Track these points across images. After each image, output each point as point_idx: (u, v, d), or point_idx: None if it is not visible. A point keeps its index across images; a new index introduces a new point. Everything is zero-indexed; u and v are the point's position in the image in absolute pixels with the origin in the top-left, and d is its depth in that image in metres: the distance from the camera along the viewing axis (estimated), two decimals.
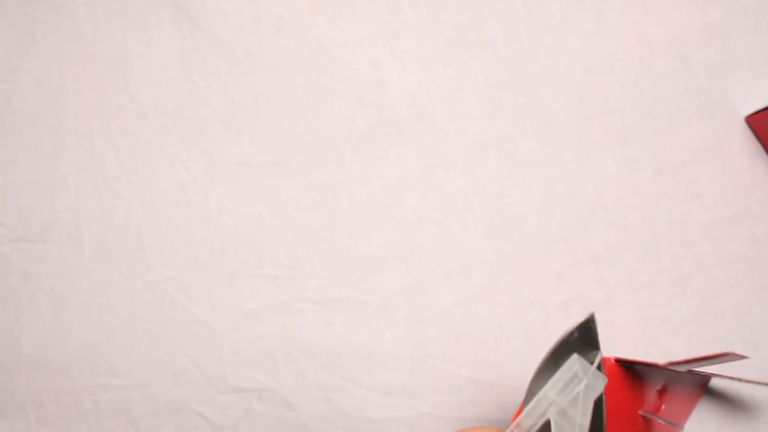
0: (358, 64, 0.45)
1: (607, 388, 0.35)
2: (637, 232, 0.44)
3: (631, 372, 0.37)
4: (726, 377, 0.38)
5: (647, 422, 0.38)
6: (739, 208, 0.43)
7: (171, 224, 0.44)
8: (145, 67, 0.45)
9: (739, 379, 0.38)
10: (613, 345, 0.44)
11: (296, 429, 0.43)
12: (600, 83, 0.44)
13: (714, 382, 0.43)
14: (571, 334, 0.31)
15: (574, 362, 0.31)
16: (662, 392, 0.39)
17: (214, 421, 0.44)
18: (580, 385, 0.30)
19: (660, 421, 0.39)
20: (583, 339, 0.31)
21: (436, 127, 0.44)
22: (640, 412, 0.38)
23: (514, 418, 0.30)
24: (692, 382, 0.41)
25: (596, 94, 0.44)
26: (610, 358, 0.36)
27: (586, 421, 0.29)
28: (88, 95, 0.45)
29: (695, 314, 0.44)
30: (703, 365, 0.36)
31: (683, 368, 0.37)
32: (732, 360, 0.34)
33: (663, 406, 0.39)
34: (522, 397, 0.36)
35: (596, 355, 0.31)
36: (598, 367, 0.31)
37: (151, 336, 0.44)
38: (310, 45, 0.45)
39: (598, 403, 0.31)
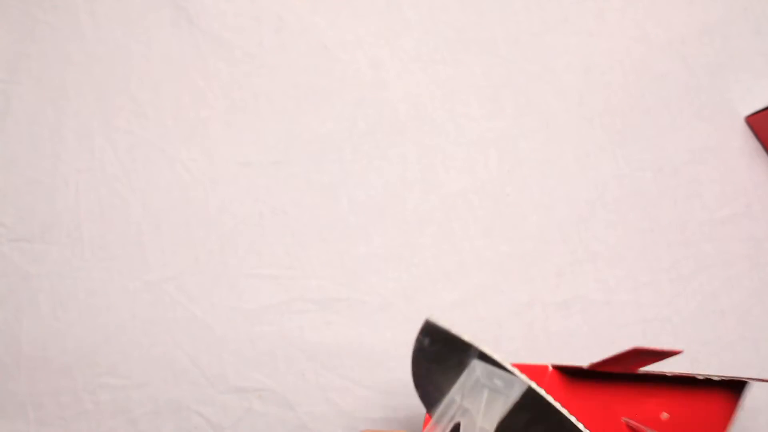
0: (358, 64, 0.45)
1: (561, 394, 0.36)
2: (637, 232, 0.44)
3: (591, 377, 0.37)
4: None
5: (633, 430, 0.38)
6: (739, 207, 0.43)
7: (171, 224, 0.44)
8: (146, 67, 0.45)
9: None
10: (613, 345, 0.44)
11: (296, 429, 0.43)
12: (600, 83, 0.44)
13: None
14: (421, 342, 0.30)
15: (475, 367, 0.30)
16: (659, 400, 0.38)
17: (215, 420, 0.44)
18: (483, 390, 0.30)
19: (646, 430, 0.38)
20: (438, 343, 0.31)
21: (436, 127, 0.44)
22: (622, 419, 0.38)
23: (424, 426, 0.30)
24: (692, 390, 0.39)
25: (596, 94, 0.44)
26: (546, 366, 0.36)
27: (491, 427, 0.29)
28: (89, 95, 0.45)
29: (695, 314, 0.44)
30: (641, 362, 0.34)
31: (606, 367, 0.35)
32: (666, 357, 0.33)
33: (663, 413, 0.38)
34: None
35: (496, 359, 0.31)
36: (506, 371, 0.30)
37: (151, 336, 0.44)
38: (310, 45, 0.45)
39: (547, 406, 0.30)
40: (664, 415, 0.38)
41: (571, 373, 0.37)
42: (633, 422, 0.38)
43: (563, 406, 0.33)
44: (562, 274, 0.43)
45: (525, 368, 0.33)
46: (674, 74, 0.43)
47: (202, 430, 0.44)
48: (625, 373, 0.36)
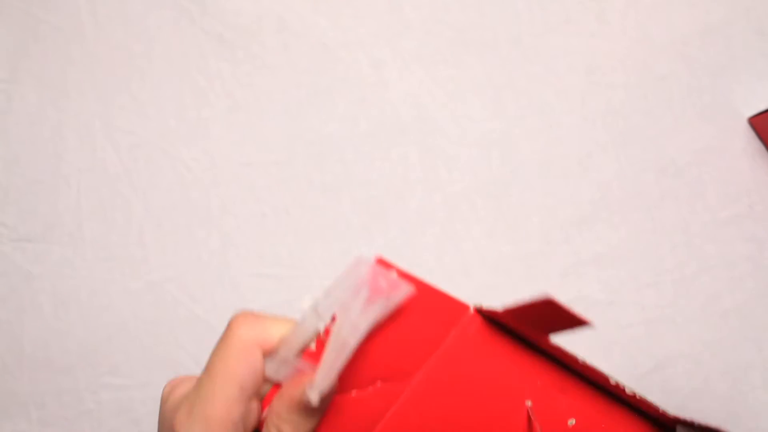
0: (359, 64, 0.44)
1: (476, 345, 0.32)
2: (640, 233, 0.44)
3: (514, 339, 0.33)
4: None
5: (530, 423, 0.34)
6: (742, 208, 0.43)
7: (173, 224, 0.44)
8: (147, 67, 0.45)
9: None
10: (615, 346, 0.44)
11: None
12: (602, 84, 0.44)
13: None
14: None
15: (360, 264, 0.28)
16: (573, 402, 0.34)
17: None
18: (363, 289, 0.27)
19: None
20: None
21: (437, 127, 0.44)
22: (526, 402, 0.33)
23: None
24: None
25: (598, 94, 0.44)
26: (468, 306, 0.31)
27: (365, 326, 0.27)
28: (90, 95, 0.45)
29: (698, 315, 0.44)
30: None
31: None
32: (574, 325, 0.29)
33: (571, 419, 0.34)
34: None
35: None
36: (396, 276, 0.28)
37: (153, 335, 0.44)
38: (311, 45, 0.45)
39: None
40: (571, 422, 0.34)
41: (493, 325, 0.32)
42: (534, 414, 0.34)
43: (473, 359, 0.32)
44: (564, 274, 0.43)
45: (444, 298, 0.31)
46: (676, 75, 0.43)
47: None
48: (550, 353, 0.33)
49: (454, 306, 0.31)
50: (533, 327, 0.30)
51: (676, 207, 0.44)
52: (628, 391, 0.31)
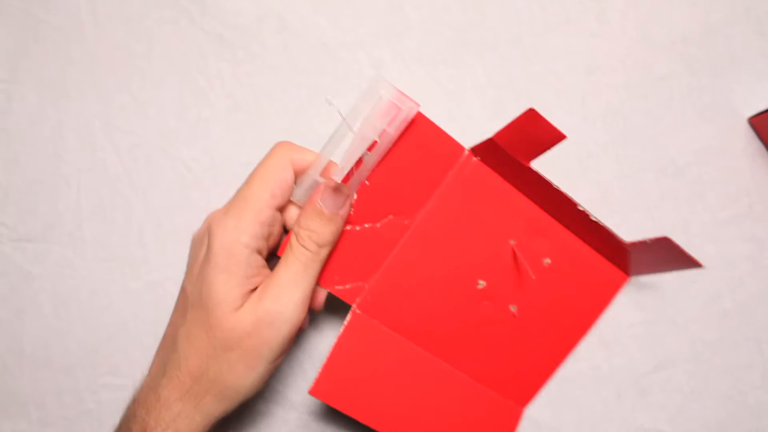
0: (359, 64, 0.44)
1: (469, 185, 0.37)
2: (639, 233, 0.44)
3: (504, 179, 0.38)
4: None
5: (516, 258, 0.39)
6: (742, 208, 0.43)
7: (173, 224, 0.44)
8: (147, 66, 0.45)
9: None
10: (615, 346, 0.44)
11: (299, 428, 0.44)
12: (602, 84, 0.44)
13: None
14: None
15: (378, 83, 0.32)
16: (549, 243, 0.39)
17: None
18: (380, 102, 0.33)
19: (530, 273, 0.39)
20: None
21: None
22: (510, 241, 0.38)
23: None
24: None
25: (598, 95, 0.44)
26: (463, 148, 0.37)
27: (379, 125, 0.33)
28: (90, 95, 0.45)
29: (699, 315, 0.44)
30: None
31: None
32: (552, 140, 0.33)
33: (546, 259, 0.39)
34: None
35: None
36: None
37: (153, 335, 0.44)
38: (312, 45, 0.45)
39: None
40: (547, 261, 0.39)
41: (485, 164, 0.37)
42: (519, 252, 0.38)
43: (468, 199, 0.37)
44: None
45: (443, 137, 0.36)
46: (676, 75, 0.43)
47: None
48: (531, 189, 0.37)
49: (452, 146, 0.36)
50: (519, 148, 0.35)
51: (676, 207, 0.44)
52: (592, 217, 0.35)
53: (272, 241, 0.35)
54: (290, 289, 0.33)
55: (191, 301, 0.33)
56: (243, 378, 0.33)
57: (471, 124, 0.44)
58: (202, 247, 0.33)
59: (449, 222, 0.38)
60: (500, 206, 0.38)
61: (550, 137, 0.32)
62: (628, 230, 0.44)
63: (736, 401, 0.44)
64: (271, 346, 0.33)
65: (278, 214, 0.34)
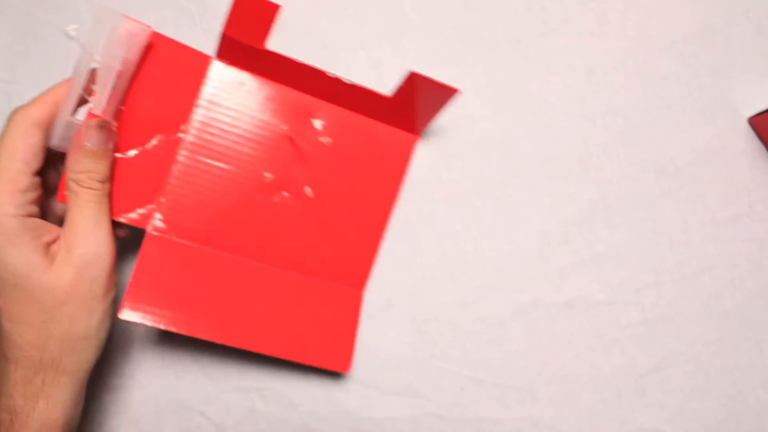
0: (360, 64, 0.44)
1: (224, 86, 0.39)
2: (639, 233, 0.44)
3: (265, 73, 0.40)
4: None
5: (293, 143, 0.40)
6: (741, 208, 0.43)
7: None
8: None
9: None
10: (615, 345, 0.44)
11: (299, 428, 0.44)
12: (602, 84, 0.44)
13: None
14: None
15: (107, 15, 0.34)
16: (318, 117, 0.41)
17: (217, 420, 0.44)
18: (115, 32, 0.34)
19: (307, 150, 0.41)
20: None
21: (438, 127, 0.44)
22: (282, 127, 0.40)
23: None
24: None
25: (599, 94, 0.44)
26: (208, 57, 0.39)
27: (119, 53, 0.34)
28: None
29: (698, 315, 0.44)
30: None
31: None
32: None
33: (324, 138, 0.41)
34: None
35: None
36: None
37: (153, 335, 0.44)
38: (312, 45, 0.44)
39: None
40: (325, 140, 0.41)
41: (235, 64, 0.39)
42: (296, 138, 0.40)
43: (231, 102, 0.39)
44: (564, 274, 0.43)
45: (185, 50, 0.38)
46: (676, 75, 0.43)
47: (204, 430, 0.44)
48: (296, 85, 0.40)
49: (198, 57, 0.38)
50: (251, 35, 0.37)
51: (676, 207, 0.44)
52: (346, 81, 0.38)
53: (35, 197, 0.35)
54: (93, 230, 0.35)
55: None
56: (88, 323, 0.34)
57: (471, 124, 0.44)
58: None
59: (219, 126, 0.39)
60: (266, 100, 0.40)
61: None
62: (628, 230, 0.44)
63: (736, 401, 0.44)
64: (101, 283, 0.34)
65: (37, 177, 0.34)
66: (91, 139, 0.35)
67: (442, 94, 0.38)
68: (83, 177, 0.35)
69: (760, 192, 0.43)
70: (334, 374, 0.44)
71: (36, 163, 0.34)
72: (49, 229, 0.34)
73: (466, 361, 0.43)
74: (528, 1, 0.44)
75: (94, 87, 0.34)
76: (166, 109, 0.38)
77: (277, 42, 0.45)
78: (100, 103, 0.34)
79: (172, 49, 0.37)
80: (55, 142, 0.35)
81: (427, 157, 0.44)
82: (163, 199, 0.39)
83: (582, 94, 0.44)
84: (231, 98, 0.39)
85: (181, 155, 0.39)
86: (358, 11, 0.45)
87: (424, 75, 0.36)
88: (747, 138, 0.43)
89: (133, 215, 0.38)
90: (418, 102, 0.39)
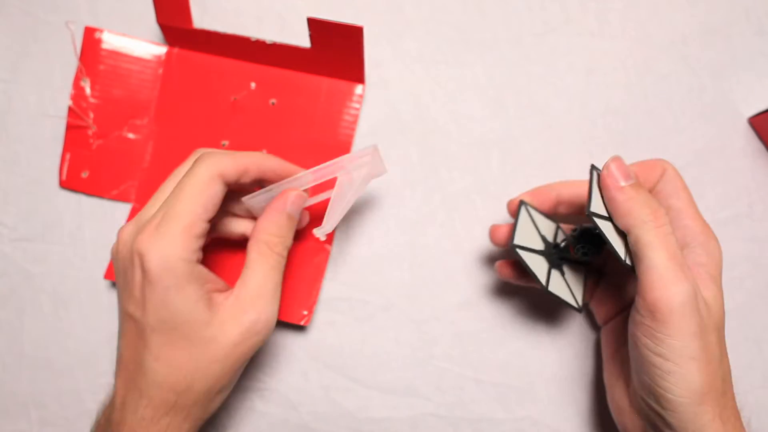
0: None
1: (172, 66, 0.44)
2: None
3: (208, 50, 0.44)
4: None
5: (242, 109, 0.44)
6: (741, 208, 0.43)
7: None
8: None
9: None
10: None
11: (299, 428, 0.44)
12: (602, 84, 0.44)
13: None
14: None
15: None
16: (261, 83, 0.44)
17: (217, 420, 0.44)
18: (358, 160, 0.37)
19: (257, 113, 0.44)
20: None
21: (438, 127, 0.44)
22: (232, 98, 0.44)
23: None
24: None
25: (599, 94, 0.44)
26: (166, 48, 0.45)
27: (357, 181, 0.36)
28: None
29: None
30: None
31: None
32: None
33: (272, 100, 0.44)
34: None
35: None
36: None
37: None
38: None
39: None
40: (273, 101, 0.43)
41: (185, 47, 0.44)
42: (240, 103, 0.43)
43: (184, 82, 0.44)
44: None
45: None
46: (676, 75, 0.43)
47: (204, 430, 0.44)
48: (237, 56, 0.43)
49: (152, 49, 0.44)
50: (177, 18, 0.42)
51: None
52: (267, 41, 0.41)
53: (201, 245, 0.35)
54: (271, 297, 0.35)
55: (150, 325, 0.32)
56: (231, 381, 0.35)
57: (471, 124, 0.44)
58: (134, 269, 0.32)
59: (180, 105, 0.44)
60: (214, 75, 0.44)
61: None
62: None
63: (736, 401, 0.44)
64: (254, 350, 0.34)
65: (209, 225, 0.34)
66: (294, 208, 0.36)
67: (350, 34, 0.39)
68: (277, 242, 0.35)
69: (760, 192, 0.43)
70: (333, 374, 0.43)
71: (212, 212, 0.34)
72: (212, 278, 0.34)
73: (465, 361, 0.43)
74: (528, 1, 0.44)
75: (330, 204, 0.36)
76: (135, 99, 0.44)
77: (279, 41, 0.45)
78: (331, 222, 0.36)
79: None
80: (255, 203, 0.37)
81: (426, 158, 0.44)
82: (142, 175, 0.44)
83: (582, 94, 0.44)
84: (186, 79, 0.44)
85: (154, 138, 0.44)
86: (357, 11, 0.45)
87: (321, 19, 0.38)
88: (747, 138, 0.43)
89: (116, 191, 0.44)
90: (336, 48, 0.40)
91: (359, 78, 0.43)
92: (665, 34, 0.44)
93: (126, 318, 0.34)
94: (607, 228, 0.33)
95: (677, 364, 0.30)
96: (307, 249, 0.43)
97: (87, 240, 0.45)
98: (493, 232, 0.39)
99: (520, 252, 0.35)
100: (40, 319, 0.45)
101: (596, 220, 0.32)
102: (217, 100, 0.44)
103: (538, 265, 0.36)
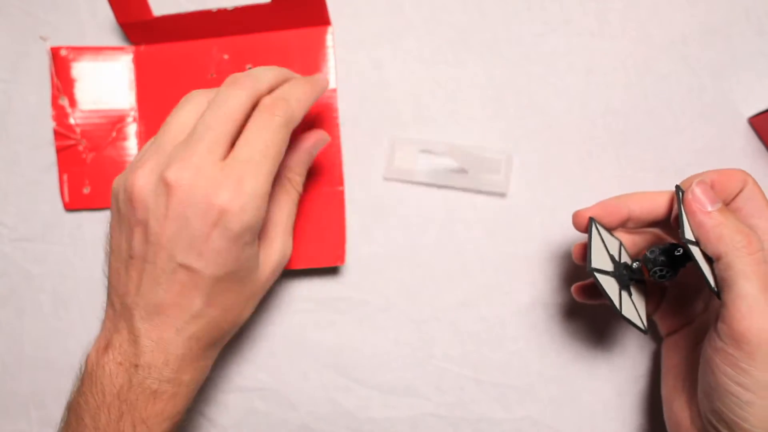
0: (360, 64, 0.44)
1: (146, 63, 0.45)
2: None
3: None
4: None
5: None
6: None
7: None
8: None
9: None
10: (615, 346, 0.44)
11: (298, 429, 0.44)
12: (602, 84, 0.44)
13: None
14: None
15: None
16: (238, 54, 0.44)
17: (217, 420, 0.44)
18: None
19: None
20: None
21: (438, 127, 0.44)
22: (210, 75, 0.44)
23: None
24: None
25: (598, 94, 0.44)
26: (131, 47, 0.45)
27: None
28: None
29: None
30: None
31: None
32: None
33: (248, 66, 0.44)
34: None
35: None
36: None
37: None
38: None
39: None
40: (249, 66, 0.44)
41: (151, 41, 0.44)
42: (220, 78, 0.43)
43: (160, 77, 0.45)
44: (564, 274, 0.43)
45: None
46: (676, 75, 0.43)
47: (204, 430, 0.44)
48: (203, 35, 0.44)
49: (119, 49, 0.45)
50: (134, 12, 0.42)
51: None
52: (229, 8, 0.42)
53: None
54: (291, 231, 0.39)
55: (214, 276, 0.33)
56: (252, 312, 0.38)
57: (471, 124, 0.44)
58: (205, 221, 0.32)
59: (162, 99, 0.44)
60: (185, 60, 0.44)
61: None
62: None
63: None
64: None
65: None
66: (318, 148, 0.40)
67: None
68: (299, 180, 0.38)
69: None
70: (333, 374, 0.43)
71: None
72: None
73: (465, 361, 0.43)
74: (528, 1, 0.44)
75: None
76: (114, 106, 0.45)
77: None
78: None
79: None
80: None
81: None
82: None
83: (582, 94, 0.44)
84: (161, 72, 0.45)
85: (137, 130, 0.45)
86: (357, 11, 0.45)
87: None
88: (747, 138, 0.43)
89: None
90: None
91: (324, 20, 0.43)
92: (665, 34, 0.44)
93: (177, 268, 0.33)
94: (696, 252, 0.32)
95: (760, 397, 0.30)
96: (320, 195, 0.43)
97: (87, 240, 0.45)
98: (576, 251, 0.38)
99: (598, 276, 0.33)
100: (40, 319, 0.45)
101: (689, 246, 0.31)
102: (195, 82, 0.44)
103: (610, 287, 0.34)
